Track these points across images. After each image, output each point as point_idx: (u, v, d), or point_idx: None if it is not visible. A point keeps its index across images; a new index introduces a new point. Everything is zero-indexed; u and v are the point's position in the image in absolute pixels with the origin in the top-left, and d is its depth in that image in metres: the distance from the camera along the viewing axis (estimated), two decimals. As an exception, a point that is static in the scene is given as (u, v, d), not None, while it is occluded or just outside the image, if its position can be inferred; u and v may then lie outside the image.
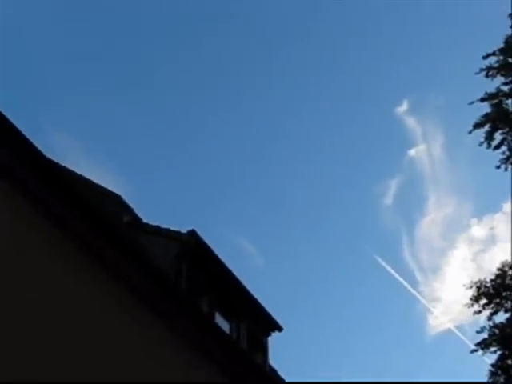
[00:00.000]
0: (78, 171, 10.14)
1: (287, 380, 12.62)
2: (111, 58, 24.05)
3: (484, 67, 14.73)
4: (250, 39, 25.79)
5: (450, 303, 28.18)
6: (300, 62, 26.23)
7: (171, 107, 25.47)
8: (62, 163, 8.94)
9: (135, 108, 24.14)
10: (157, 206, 23.02)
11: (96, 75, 23.74)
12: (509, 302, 14.78)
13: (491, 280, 15.03)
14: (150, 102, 25.15)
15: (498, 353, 14.61)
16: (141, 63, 24.88)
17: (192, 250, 10.66)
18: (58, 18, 22.62)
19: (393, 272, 24.40)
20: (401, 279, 25.02)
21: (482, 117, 14.61)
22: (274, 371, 12.78)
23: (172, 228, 11.11)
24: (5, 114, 7.08)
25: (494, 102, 14.65)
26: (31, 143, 7.40)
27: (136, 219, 11.62)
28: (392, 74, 26.70)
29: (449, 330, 28.29)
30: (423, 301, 28.51)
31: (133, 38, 24.09)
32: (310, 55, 26.25)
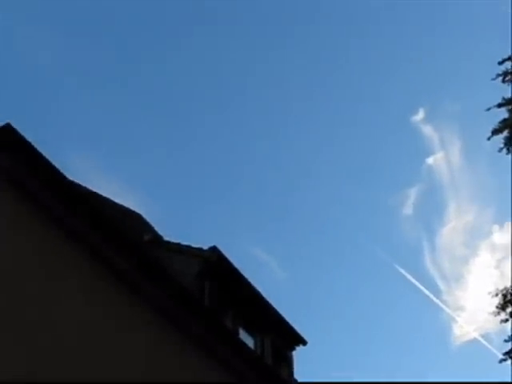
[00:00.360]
0: (99, 191, 10.20)
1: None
2: (129, 76, 24.29)
3: (500, 72, 14.63)
4: (257, 45, 25.75)
5: (475, 312, 27.72)
6: (313, 70, 26.22)
7: (189, 124, 25.61)
8: (83, 183, 9.06)
9: (155, 126, 24.33)
10: (177, 223, 23.10)
11: (115, 93, 23.99)
12: (537, 310, 14.51)
13: (517, 287, 14.78)
14: (170, 119, 25.34)
15: (529, 362, 14.29)
16: (161, 82, 25.11)
17: (214, 267, 10.63)
18: (80, 40, 22.97)
19: (415, 281, 24.09)
20: (423, 288, 24.61)
21: (500, 122, 14.49)
22: (300, 385, 12.68)
23: (193, 245, 11.10)
24: (26, 135, 7.22)
25: (512, 107, 14.52)
26: (52, 164, 7.49)
27: (157, 237, 11.63)
28: (406, 83, 26.58)
29: (475, 340, 27.79)
30: (447, 310, 28.04)
31: (157, 58, 24.37)
32: (322, 66, 26.23)
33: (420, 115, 26.75)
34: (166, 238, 11.70)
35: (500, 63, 14.69)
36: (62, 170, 7.58)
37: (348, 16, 25.65)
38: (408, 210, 27.83)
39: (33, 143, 7.30)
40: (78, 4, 21.54)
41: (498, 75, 14.74)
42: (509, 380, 14.23)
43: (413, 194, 28.16)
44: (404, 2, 24.41)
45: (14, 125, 7.10)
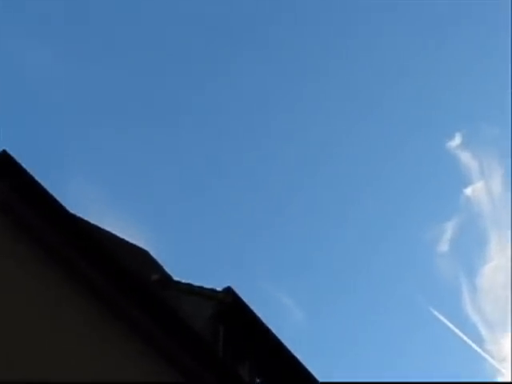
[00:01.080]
0: (102, 225, 9.95)
1: None
2: (142, 110, 23.90)
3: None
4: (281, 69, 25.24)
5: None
6: (344, 96, 25.51)
7: (199, 158, 25.04)
8: (87, 216, 8.96)
9: (163, 160, 23.77)
10: (187, 261, 22.18)
11: (125, 127, 23.58)
12: None
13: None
14: (179, 153, 24.78)
15: None
16: (172, 113, 24.70)
17: (229, 309, 10.20)
18: (85, 68, 22.72)
19: (453, 327, 22.22)
20: (463, 336, 22.53)
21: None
22: None
23: (205, 285, 10.72)
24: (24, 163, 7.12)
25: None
26: (55, 199, 7.29)
27: (166, 277, 11.26)
28: (441, 107, 25.58)
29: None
30: (491, 360, 25.61)
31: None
32: (353, 89, 25.48)
33: (457, 140, 25.52)
34: (176, 278, 11.33)
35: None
36: (61, 201, 7.43)
37: (389, 46, 25.02)
38: (444, 246, 26.25)
39: (30, 171, 7.15)
40: (82, 25, 21.35)
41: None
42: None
43: (450, 228, 26.45)
44: (438, 26, 23.85)
45: (12, 152, 7.04)
